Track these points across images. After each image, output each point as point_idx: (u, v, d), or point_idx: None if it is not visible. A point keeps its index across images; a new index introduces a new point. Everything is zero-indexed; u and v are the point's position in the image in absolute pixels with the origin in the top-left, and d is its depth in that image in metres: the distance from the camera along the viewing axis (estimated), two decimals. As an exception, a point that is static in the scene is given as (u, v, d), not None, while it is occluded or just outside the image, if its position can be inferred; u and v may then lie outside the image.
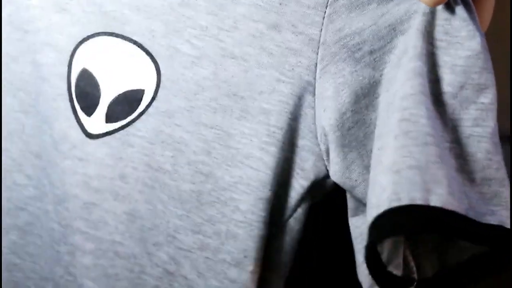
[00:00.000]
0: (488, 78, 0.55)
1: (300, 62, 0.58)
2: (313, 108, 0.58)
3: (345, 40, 0.57)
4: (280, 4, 0.57)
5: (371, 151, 0.56)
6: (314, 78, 0.57)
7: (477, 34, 0.55)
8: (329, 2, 0.57)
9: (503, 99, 0.72)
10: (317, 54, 0.57)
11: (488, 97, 0.55)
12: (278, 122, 0.58)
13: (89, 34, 0.60)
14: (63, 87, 0.61)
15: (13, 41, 0.62)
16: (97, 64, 0.60)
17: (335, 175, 0.58)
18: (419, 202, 0.50)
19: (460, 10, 0.55)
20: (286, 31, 0.57)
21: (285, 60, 0.58)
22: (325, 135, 0.58)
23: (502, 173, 0.55)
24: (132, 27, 0.59)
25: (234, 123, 0.59)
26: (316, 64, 0.57)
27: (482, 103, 0.55)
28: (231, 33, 0.58)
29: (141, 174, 0.60)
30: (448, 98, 0.54)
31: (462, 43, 0.55)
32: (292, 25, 0.57)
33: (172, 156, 0.59)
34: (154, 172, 0.60)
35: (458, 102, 0.55)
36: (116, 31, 0.59)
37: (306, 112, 0.58)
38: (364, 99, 0.57)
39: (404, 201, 0.50)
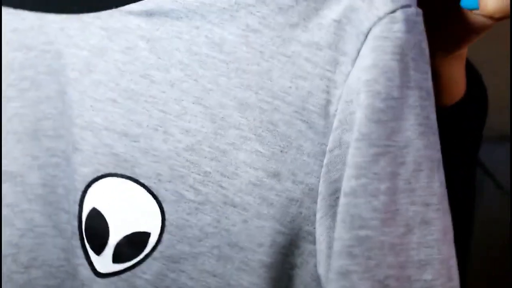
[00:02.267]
0: (428, 253, 0.54)
1: (300, 213, 0.57)
2: (315, 256, 0.57)
3: (340, 193, 0.56)
4: (281, 151, 0.57)
5: None
6: (314, 228, 0.57)
7: None
8: (326, 151, 0.56)
9: (503, 99, 0.77)
10: (316, 204, 0.57)
11: (430, 273, 0.54)
12: (277, 274, 0.58)
13: (99, 175, 0.61)
14: (75, 225, 0.62)
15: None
16: (106, 204, 0.61)
17: None
18: None
19: None
20: (287, 180, 0.57)
21: (286, 211, 0.57)
22: None
23: None
24: (141, 169, 0.60)
25: (233, 274, 0.58)
26: (315, 214, 0.57)
27: (425, 280, 0.54)
28: (233, 180, 0.58)
29: None
30: (392, 282, 0.54)
31: None
32: (292, 174, 0.57)
33: None
34: None
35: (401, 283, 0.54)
36: (126, 173, 0.60)
37: (308, 260, 0.58)
38: None
39: None
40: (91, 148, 0.61)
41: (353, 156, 0.55)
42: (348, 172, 0.55)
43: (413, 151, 0.55)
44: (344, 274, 0.55)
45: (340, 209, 0.55)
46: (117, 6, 0.61)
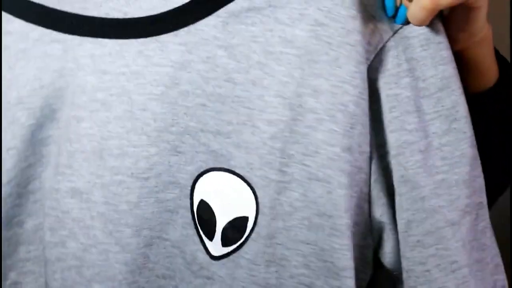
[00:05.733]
0: (481, 182, 0.69)
1: (361, 177, 0.67)
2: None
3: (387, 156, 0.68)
4: (351, 128, 0.66)
5: None
6: (370, 190, 0.68)
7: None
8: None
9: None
10: (370, 168, 0.68)
11: (484, 197, 0.69)
12: (359, 232, 0.68)
13: (203, 170, 0.70)
14: (189, 216, 0.71)
15: (134, 189, 0.70)
16: (211, 196, 0.70)
17: None
18: None
19: None
20: (355, 152, 0.66)
21: (354, 178, 0.67)
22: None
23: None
24: (235, 161, 0.68)
25: (326, 239, 0.67)
26: (370, 177, 0.68)
27: (483, 201, 0.69)
28: (314, 158, 0.66)
29: None
30: (469, 208, 0.68)
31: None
32: (359, 146, 0.66)
33: (276, 271, 0.68)
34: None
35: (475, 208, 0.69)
36: (224, 166, 0.69)
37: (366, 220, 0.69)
38: None
39: None
40: (191, 149, 0.69)
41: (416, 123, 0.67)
42: (416, 135, 0.66)
43: (460, 109, 0.67)
44: (436, 210, 0.66)
45: (417, 170, 0.66)
46: (193, 22, 0.69)
